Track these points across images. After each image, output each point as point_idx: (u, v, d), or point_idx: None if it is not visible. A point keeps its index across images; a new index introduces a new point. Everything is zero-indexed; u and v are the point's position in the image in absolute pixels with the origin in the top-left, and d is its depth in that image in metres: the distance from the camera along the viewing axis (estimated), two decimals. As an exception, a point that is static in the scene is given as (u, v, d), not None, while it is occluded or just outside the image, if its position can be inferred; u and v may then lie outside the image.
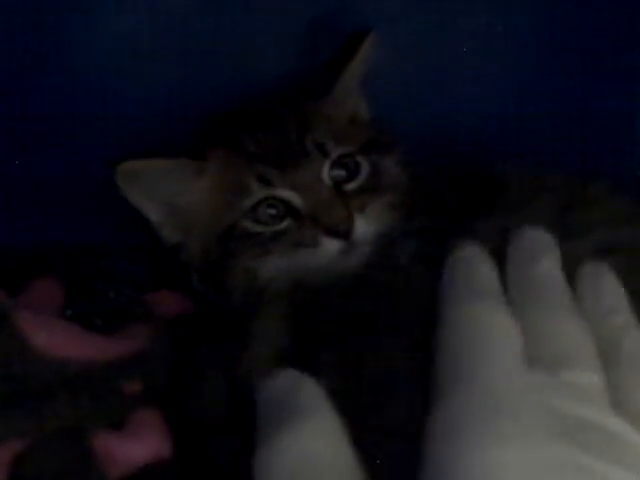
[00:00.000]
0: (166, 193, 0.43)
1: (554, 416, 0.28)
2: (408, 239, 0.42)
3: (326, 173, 0.42)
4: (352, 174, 0.43)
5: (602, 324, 0.33)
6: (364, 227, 0.42)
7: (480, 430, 0.27)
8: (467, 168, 0.46)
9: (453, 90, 0.52)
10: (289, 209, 0.42)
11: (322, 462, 0.28)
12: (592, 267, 0.35)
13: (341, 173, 0.43)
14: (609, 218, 0.41)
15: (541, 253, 0.35)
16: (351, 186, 0.43)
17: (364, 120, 0.47)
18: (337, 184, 0.43)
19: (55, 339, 0.34)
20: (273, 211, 0.42)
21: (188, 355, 0.39)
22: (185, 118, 0.49)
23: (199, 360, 0.39)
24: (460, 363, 0.30)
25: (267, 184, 0.42)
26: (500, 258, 0.36)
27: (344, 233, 0.41)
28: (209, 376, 0.38)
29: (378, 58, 0.49)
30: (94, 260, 0.44)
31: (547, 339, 0.31)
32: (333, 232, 0.41)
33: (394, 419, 0.33)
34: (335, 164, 0.43)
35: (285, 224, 0.42)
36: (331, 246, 0.41)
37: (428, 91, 0.51)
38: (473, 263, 0.35)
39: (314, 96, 0.45)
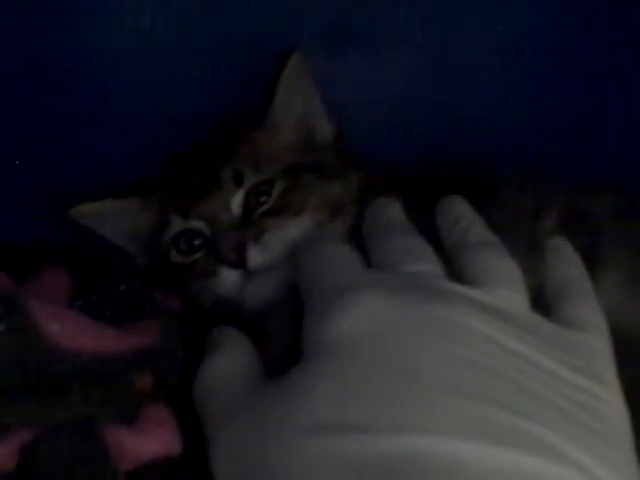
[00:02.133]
0: (123, 228, 0.46)
1: (388, 287, 0.34)
2: None
3: (237, 202, 0.43)
4: (266, 200, 0.43)
5: (452, 230, 0.40)
6: (261, 256, 0.41)
7: (327, 309, 0.34)
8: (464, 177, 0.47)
9: (457, 94, 0.52)
10: (205, 240, 0.43)
11: (231, 373, 0.36)
12: (444, 198, 0.42)
13: (257, 199, 0.43)
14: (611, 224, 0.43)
15: (384, 206, 0.42)
16: (259, 211, 0.43)
17: (321, 142, 0.47)
18: (248, 210, 0.43)
19: (68, 329, 0.33)
20: (196, 242, 0.43)
21: (197, 351, 0.38)
22: (187, 120, 0.49)
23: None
24: (313, 281, 0.36)
25: (184, 217, 0.43)
26: None
27: (236, 263, 0.41)
28: None
29: (381, 64, 0.50)
30: (105, 253, 0.43)
31: (383, 251, 0.38)
32: (225, 261, 0.41)
33: None
34: (251, 191, 0.43)
35: (199, 254, 0.43)
36: (230, 275, 0.42)
37: (431, 95, 0.52)
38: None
39: (253, 124, 0.46)
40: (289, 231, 0.42)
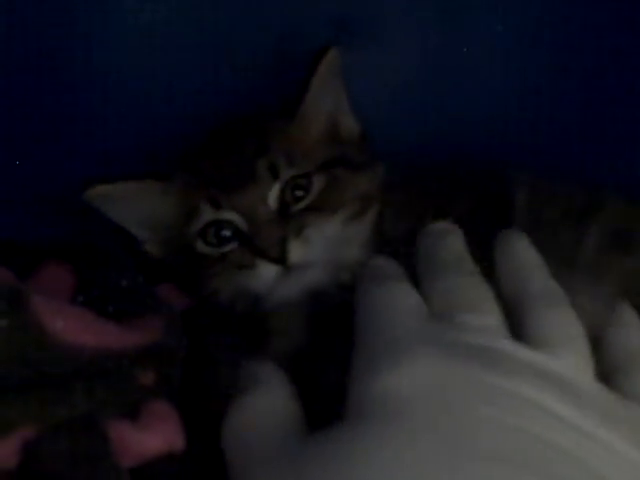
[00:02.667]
0: (139, 212, 0.44)
1: (445, 344, 0.33)
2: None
3: (273, 195, 0.42)
4: (303, 195, 0.43)
5: (512, 277, 0.37)
6: (302, 252, 0.41)
7: (377, 363, 0.32)
8: (475, 173, 0.47)
9: (457, 94, 0.52)
10: (237, 232, 0.42)
11: (270, 422, 0.34)
12: (504, 234, 0.40)
13: (293, 194, 0.42)
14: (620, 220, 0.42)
15: (444, 235, 0.40)
16: (297, 207, 0.42)
17: (347, 138, 0.47)
18: (285, 205, 0.42)
19: (71, 325, 0.33)
20: (225, 233, 0.42)
21: (200, 347, 0.38)
22: (185, 118, 0.49)
23: (212, 349, 0.39)
24: (367, 328, 0.35)
25: (216, 207, 0.42)
26: None
27: (277, 258, 0.41)
28: (223, 371, 0.38)
29: (382, 63, 0.50)
30: (107, 248, 0.43)
31: (443, 295, 0.36)
32: (265, 256, 0.41)
33: None
34: (287, 185, 0.42)
35: (231, 246, 0.42)
36: (268, 270, 0.41)
37: (432, 95, 0.51)
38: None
39: (284, 116, 0.45)
40: (328, 228, 0.42)
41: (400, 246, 0.42)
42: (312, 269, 0.41)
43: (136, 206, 0.44)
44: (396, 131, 0.50)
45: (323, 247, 0.42)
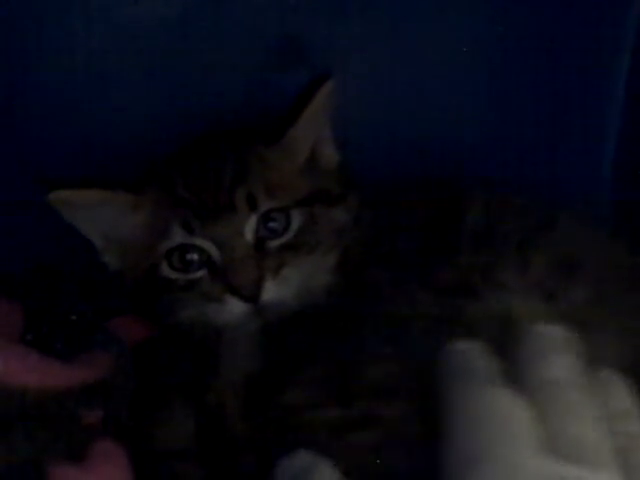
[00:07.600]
0: (103, 222, 0.42)
1: None
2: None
3: (250, 228, 0.40)
4: (280, 230, 0.41)
5: (615, 427, 0.32)
6: (276, 292, 0.40)
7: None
8: (434, 189, 0.46)
9: (424, 103, 0.52)
10: (208, 260, 0.41)
11: None
12: (605, 374, 0.35)
13: (269, 228, 0.41)
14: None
15: (556, 354, 0.34)
16: (275, 243, 0.41)
17: (325, 168, 0.45)
18: (260, 240, 0.41)
19: (13, 366, 0.33)
20: (192, 257, 0.41)
21: (152, 383, 0.38)
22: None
23: (164, 388, 0.38)
24: (477, 442, 0.30)
25: (189, 231, 0.40)
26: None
27: (250, 297, 0.39)
28: (175, 406, 0.38)
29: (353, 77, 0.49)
30: (56, 282, 0.42)
31: (567, 439, 0.31)
32: (238, 294, 0.40)
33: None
34: (264, 218, 0.41)
35: (200, 274, 0.41)
36: (236, 307, 0.40)
37: (384, 112, 0.51)
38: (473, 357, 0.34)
39: (265, 140, 0.43)
40: (305, 266, 0.41)
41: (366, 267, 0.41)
42: (283, 305, 0.40)
43: (101, 216, 0.42)
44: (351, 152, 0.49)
45: (297, 284, 0.41)
